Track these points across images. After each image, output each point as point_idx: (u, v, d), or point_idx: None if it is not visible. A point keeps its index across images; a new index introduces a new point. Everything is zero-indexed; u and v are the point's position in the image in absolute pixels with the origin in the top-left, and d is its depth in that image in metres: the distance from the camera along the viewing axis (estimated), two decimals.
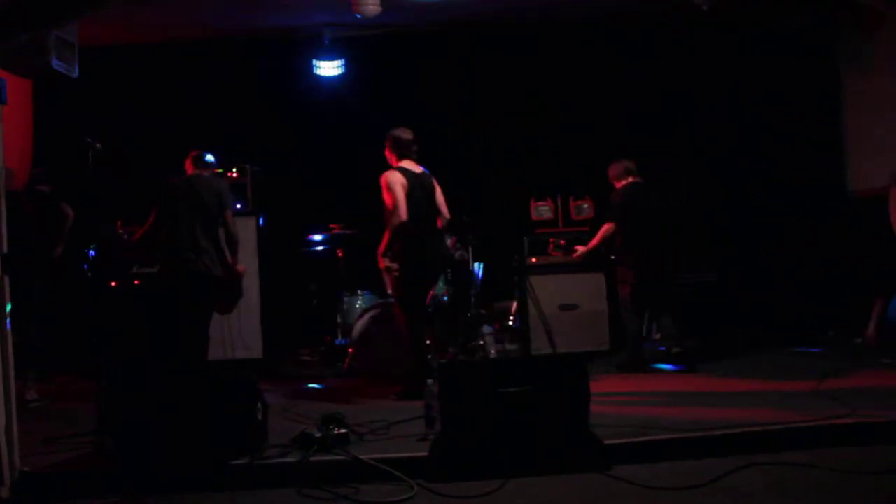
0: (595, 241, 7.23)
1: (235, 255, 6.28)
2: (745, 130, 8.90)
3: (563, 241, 7.64)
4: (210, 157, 6.42)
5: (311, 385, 7.01)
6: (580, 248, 7.47)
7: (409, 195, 6.10)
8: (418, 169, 6.33)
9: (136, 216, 6.44)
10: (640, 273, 6.97)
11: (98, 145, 5.25)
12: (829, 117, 8.99)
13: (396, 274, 6.08)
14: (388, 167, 6.30)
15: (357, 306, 7.66)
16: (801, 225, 8.49)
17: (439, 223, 6.43)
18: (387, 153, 6.37)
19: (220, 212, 6.20)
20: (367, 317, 7.04)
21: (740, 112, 8.95)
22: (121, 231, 7.31)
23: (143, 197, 6.35)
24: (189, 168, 6.34)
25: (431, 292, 6.55)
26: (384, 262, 6.10)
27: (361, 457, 4.31)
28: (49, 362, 6.72)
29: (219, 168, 7.58)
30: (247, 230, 7.56)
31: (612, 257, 7.37)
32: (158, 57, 8.68)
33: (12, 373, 4.30)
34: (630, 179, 7.15)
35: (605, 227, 7.15)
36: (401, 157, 6.29)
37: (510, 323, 7.88)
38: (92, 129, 6.33)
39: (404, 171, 6.20)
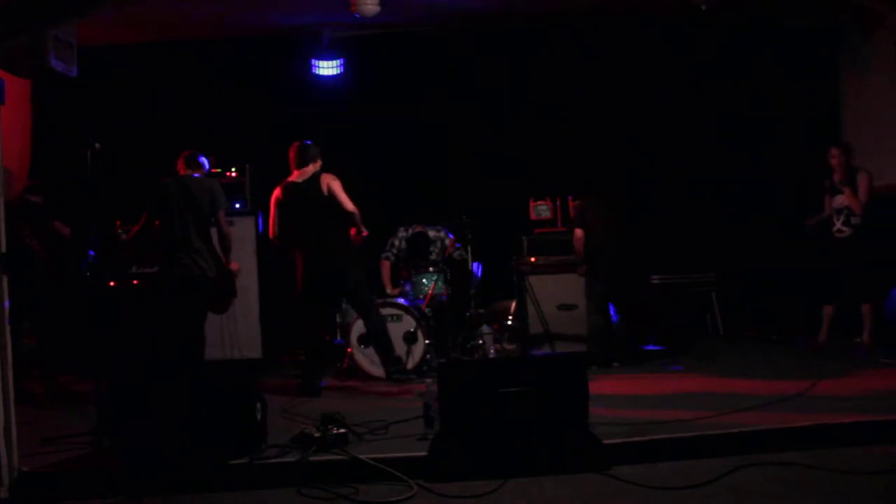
0: (579, 249, 7.41)
1: (228, 254, 6.29)
2: (745, 130, 8.89)
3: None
4: (203, 159, 6.42)
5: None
6: (580, 270, 7.54)
7: (286, 208, 6.40)
8: (305, 175, 6.46)
9: (135, 216, 6.43)
10: (595, 273, 7.29)
11: (98, 145, 5.24)
12: (829, 117, 8.99)
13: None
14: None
15: None
16: (801, 225, 8.48)
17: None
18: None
19: (213, 211, 6.20)
20: None
21: (740, 112, 8.94)
22: (119, 231, 7.30)
23: (142, 197, 6.34)
24: (181, 168, 6.33)
25: (429, 296, 6.53)
26: None
27: (361, 456, 4.31)
28: (49, 362, 6.70)
29: (217, 168, 7.61)
30: (246, 230, 7.56)
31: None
32: (158, 57, 8.67)
33: (11, 373, 4.29)
34: (584, 200, 7.54)
35: (575, 234, 7.42)
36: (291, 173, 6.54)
37: (509, 323, 7.88)
38: (92, 129, 6.34)
39: (284, 186, 6.46)
